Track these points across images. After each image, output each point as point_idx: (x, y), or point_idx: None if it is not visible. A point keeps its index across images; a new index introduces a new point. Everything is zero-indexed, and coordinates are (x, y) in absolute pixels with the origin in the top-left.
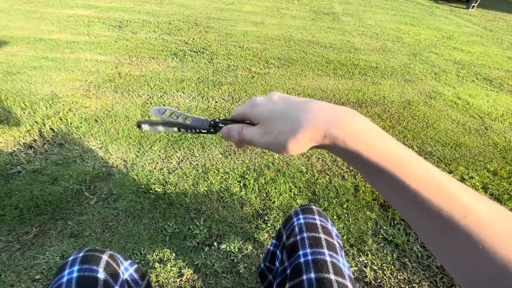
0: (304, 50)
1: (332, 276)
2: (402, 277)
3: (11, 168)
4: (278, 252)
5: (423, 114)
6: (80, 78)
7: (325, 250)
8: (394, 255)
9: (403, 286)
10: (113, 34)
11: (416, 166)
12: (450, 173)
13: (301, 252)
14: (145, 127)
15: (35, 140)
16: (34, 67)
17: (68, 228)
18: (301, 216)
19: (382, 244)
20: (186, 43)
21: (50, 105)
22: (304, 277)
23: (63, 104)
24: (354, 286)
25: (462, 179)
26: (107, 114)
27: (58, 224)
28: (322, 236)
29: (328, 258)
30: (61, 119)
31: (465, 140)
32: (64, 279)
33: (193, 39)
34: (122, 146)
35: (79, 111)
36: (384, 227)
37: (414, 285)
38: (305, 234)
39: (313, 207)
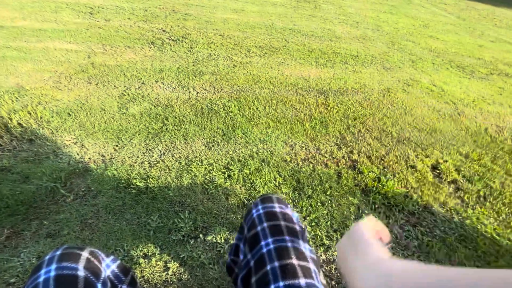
0: (286, 39)
1: (294, 261)
2: None
3: None
4: (241, 245)
5: (402, 101)
6: (49, 69)
7: (286, 237)
8: None
9: None
10: (83, 21)
11: None
12: (427, 157)
13: (263, 243)
14: None
15: (1, 137)
16: None
17: (43, 228)
18: (260, 207)
19: None
20: (163, 31)
21: (17, 98)
22: (268, 267)
23: (31, 97)
24: (318, 266)
25: (437, 163)
26: (81, 107)
27: (33, 224)
28: (282, 223)
29: (289, 244)
30: (29, 113)
31: (440, 125)
32: (41, 279)
33: (171, 26)
34: (99, 140)
35: (49, 104)
36: (366, 211)
37: None
38: (265, 224)
39: (272, 195)
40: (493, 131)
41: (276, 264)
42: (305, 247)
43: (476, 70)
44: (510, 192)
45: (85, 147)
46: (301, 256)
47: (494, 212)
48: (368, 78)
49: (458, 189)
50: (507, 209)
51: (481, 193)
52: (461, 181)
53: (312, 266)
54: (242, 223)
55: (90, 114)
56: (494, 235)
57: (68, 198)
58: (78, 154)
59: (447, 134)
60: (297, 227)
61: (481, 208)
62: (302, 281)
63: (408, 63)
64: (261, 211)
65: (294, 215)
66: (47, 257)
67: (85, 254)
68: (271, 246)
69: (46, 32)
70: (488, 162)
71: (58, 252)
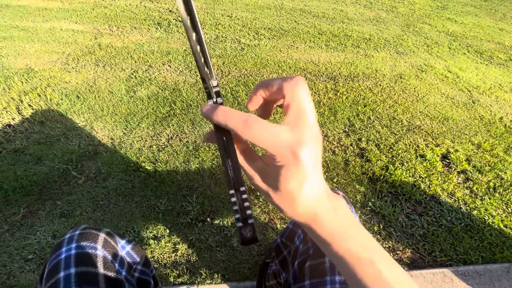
0: (295, 20)
1: None
2: (387, 246)
3: None
4: (299, 231)
5: (414, 88)
6: (56, 50)
7: None
8: (381, 225)
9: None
10: (89, 0)
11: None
12: (437, 147)
13: None
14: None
15: (13, 118)
16: (3, 38)
17: (57, 208)
18: None
19: (369, 216)
20: (170, 11)
21: (26, 80)
22: (327, 259)
23: (40, 79)
24: None
25: (448, 153)
26: (89, 90)
27: (47, 204)
28: None
29: None
30: (39, 95)
31: (453, 114)
32: (62, 256)
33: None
34: (108, 123)
35: (58, 86)
36: (372, 200)
37: (398, 252)
38: None
39: (340, 192)
40: (508, 120)
41: None
42: None
43: (495, 55)
44: None
45: (94, 130)
46: None
47: (503, 204)
48: (380, 63)
49: (467, 179)
50: None
51: (491, 184)
52: (471, 171)
53: None
54: None
55: (98, 97)
56: (502, 226)
57: (79, 180)
58: (88, 137)
59: (459, 123)
60: None
61: (490, 199)
62: None
63: (423, 47)
64: None
65: (356, 217)
66: (67, 235)
67: (102, 234)
68: None
69: (52, 11)
70: (501, 153)
71: (77, 232)
